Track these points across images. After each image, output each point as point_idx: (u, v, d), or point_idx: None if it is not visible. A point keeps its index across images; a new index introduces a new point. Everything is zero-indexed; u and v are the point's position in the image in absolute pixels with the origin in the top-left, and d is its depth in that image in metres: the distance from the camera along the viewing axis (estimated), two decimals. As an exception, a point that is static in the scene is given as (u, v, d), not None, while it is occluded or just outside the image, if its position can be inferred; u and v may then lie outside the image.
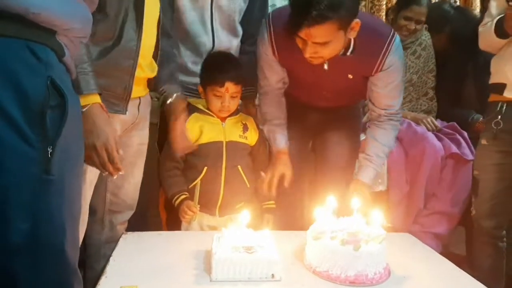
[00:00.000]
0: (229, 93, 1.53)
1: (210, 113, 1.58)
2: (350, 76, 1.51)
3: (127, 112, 1.29)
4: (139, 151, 1.45)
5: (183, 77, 1.68)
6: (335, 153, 1.71)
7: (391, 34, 1.45)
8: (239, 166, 1.58)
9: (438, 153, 1.94)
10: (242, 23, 1.74)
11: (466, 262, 2.06)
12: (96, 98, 1.13)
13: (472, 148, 1.98)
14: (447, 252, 2.02)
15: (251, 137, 1.64)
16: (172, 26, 1.51)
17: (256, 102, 1.80)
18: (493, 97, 1.70)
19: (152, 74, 1.38)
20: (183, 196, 1.53)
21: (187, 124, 1.54)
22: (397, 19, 2.17)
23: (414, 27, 2.15)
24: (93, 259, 1.46)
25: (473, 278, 1.26)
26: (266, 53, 1.53)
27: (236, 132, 1.60)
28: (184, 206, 1.51)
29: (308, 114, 1.72)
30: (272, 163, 1.63)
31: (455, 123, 2.10)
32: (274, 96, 1.65)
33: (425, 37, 2.26)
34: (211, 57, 1.64)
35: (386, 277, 1.19)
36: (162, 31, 1.39)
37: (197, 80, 1.65)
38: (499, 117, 1.64)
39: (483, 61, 2.09)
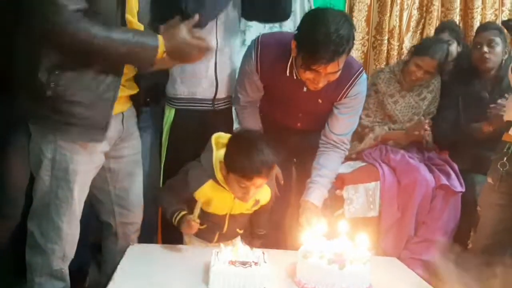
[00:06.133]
0: (255, 185, 1.45)
1: (227, 188, 1.50)
2: (320, 101, 1.70)
3: (105, 137, 1.32)
4: (134, 161, 1.53)
5: (170, 89, 1.83)
6: None
7: (360, 70, 1.68)
8: (237, 229, 1.64)
9: (429, 184, 2.03)
10: None
11: (454, 290, 2.14)
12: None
13: (461, 179, 2.08)
14: (436, 279, 2.11)
15: (257, 208, 1.62)
16: None
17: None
18: (505, 136, 1.72)
19: (133, 91, 1.45)
20: (183, 212, 1.51)
21: (201, 189, 1.51)
22: (409, 63, 2.24)
23: (421, 76, 2.20)
24: (108, 267, 1.56)
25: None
26: (251, 69, 1.70)
27: (245, 206, 1.57)
28: (186, 221, 1.48)
29: (290, 136, 1.88)
30: None
31: (447, 155, 2.21)
32: (252, 109, 1.85)
33: (435, 80, 2.29)
34: (239, 138, 1.52)
35: (368, 296, 1.29)
36: None
37: (183, 89, 1.79)
38: (505, 158, 1.66)
39: (471, 95, 2.20)
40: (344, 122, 1.75)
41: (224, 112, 1.90)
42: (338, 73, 1.54)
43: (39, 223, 1.33)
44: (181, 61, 1.36)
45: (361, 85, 1.69)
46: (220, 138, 1.57)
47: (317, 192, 1.70)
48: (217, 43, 1.76)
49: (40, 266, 1.34)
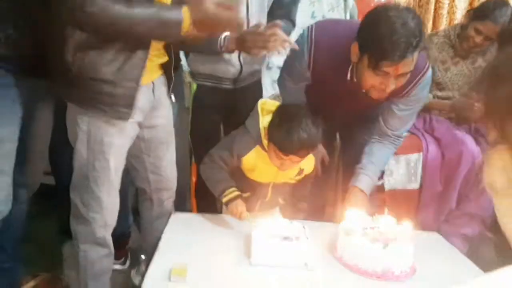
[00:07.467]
0: (292, 160, 1.44)
1: None
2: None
3: (133, 116, 1.29)
4: (167, 130, 1.52)
5: (192, 64, 1.78)
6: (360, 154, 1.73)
7: (426, 68, 1.50)
8: (280, 199, 1.61)
9: (475, 157, 1.94)
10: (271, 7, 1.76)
11: (493, 268, 2.11)
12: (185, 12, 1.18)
13: (510, 153, 1.98)
14: (475, 256, 2.07)
15: (300, 177, 1.61)
16: None
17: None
18: None
19: (163, 60, 1.41)
20: (236, 193, 1.49)
21: (249, 155, 1.50)
22: (467, 28, 2.07)
23: (481, 42, 2.05)
24: (146, 233, 1.63)
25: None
26: (300, 65, 1.55)
27: (289, 175, 1.56)
28: (237, 207, 1.46)
29: (334, 114, 1.70)
30: None
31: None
32: (297, 91, 1.68)
33: (492, 47, 2.12)
34: (285, 110, 1.46)
35: (411, 275, 1.28)
36: None
37: (203, 66, 1.74)
38: None
39: None
40: (401, 119, 1.62)
41: (247, 87, 1.84)
42: (408, 76, 1.37)
43: (80, 193, 1.36)
44: (209, 33, 1.28)
45: (425, 86, 1.54)
46: (265, 105, 1.54)
47: (366, 179, 1.63)
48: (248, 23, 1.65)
49: (84, 234, 1.39)
